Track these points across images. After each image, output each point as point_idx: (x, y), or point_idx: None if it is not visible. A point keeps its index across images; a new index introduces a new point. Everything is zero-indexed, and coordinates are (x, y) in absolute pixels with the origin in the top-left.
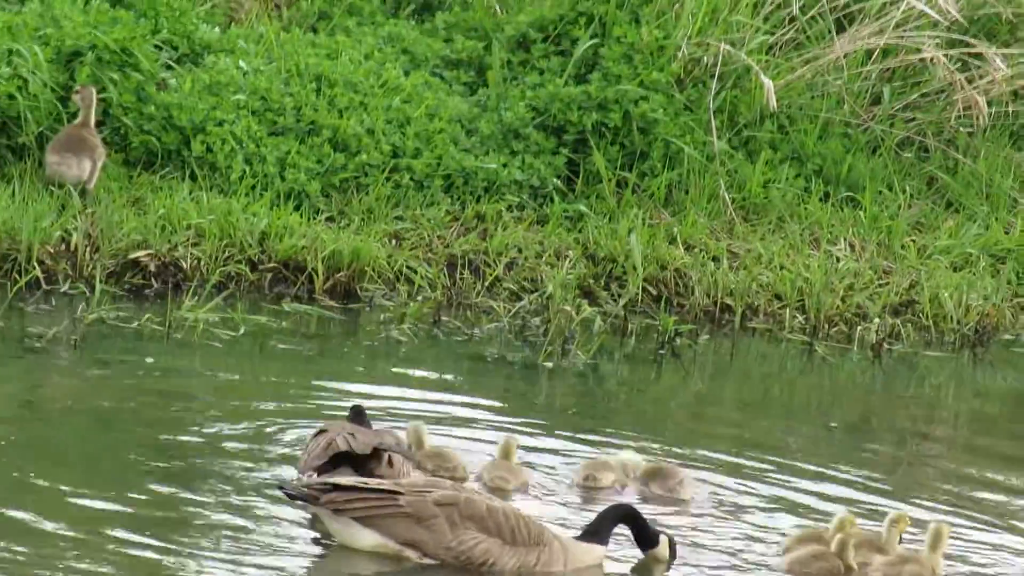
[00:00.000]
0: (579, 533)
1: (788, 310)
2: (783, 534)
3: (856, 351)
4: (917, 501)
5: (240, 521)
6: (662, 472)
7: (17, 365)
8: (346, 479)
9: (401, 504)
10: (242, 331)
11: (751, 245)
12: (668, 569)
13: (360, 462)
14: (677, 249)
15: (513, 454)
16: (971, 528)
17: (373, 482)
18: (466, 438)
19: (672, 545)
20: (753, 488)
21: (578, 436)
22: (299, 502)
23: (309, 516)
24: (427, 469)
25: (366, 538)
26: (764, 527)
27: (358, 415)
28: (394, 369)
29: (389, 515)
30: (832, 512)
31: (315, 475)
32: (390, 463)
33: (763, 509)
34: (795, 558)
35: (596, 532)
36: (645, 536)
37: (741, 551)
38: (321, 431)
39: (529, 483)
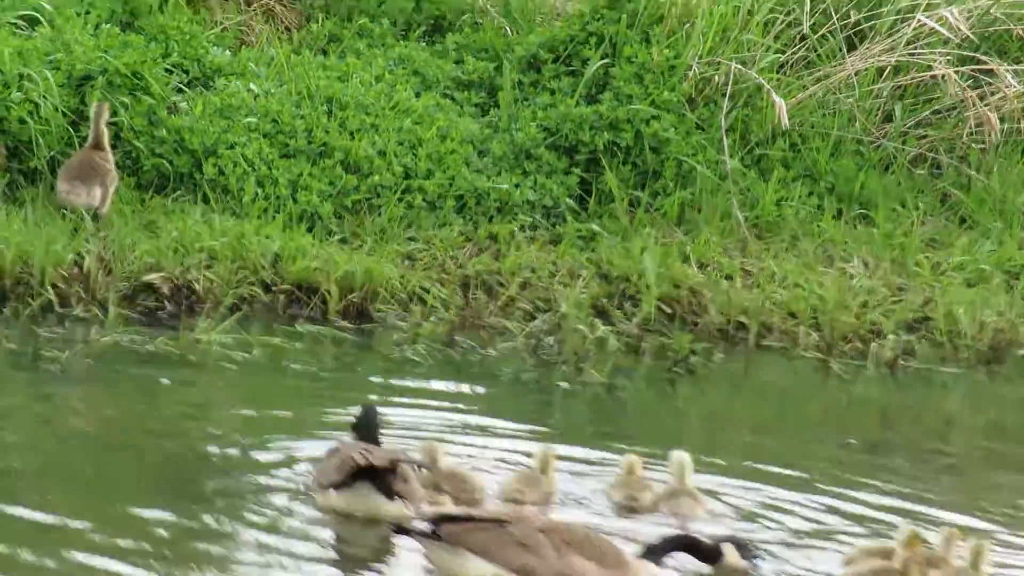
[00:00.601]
0: (641, 552)
1: (802, 328)
2: (806, 550)
3: (871, 368)
4: (945, 515)
5: (258, 539)
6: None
7: (32, 389)
8: (454, 510)
9: (511, 532)
10: (256, 353)
11: (765, 263)
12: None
13: (380, 477)
14: (691, 268)
15: (551, 466)
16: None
17: (476, 512)
18: (481, 457)
19: (740, 545)
20: (771, 504)
21: (594, 453)
22: (410, 536)
23: (333, 536)
24: (444, 490)
25: (480, 568)
26: (786, 543)
27: (369, 416)
28: (409, 389)
29: (501, 543)
30: (853, 530)
31: (332, 492)
32: (404, 478)
33: (783, 526)
34: (855, 572)
35: (656, 552)
36: (709, 553)
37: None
38: (335, 449)
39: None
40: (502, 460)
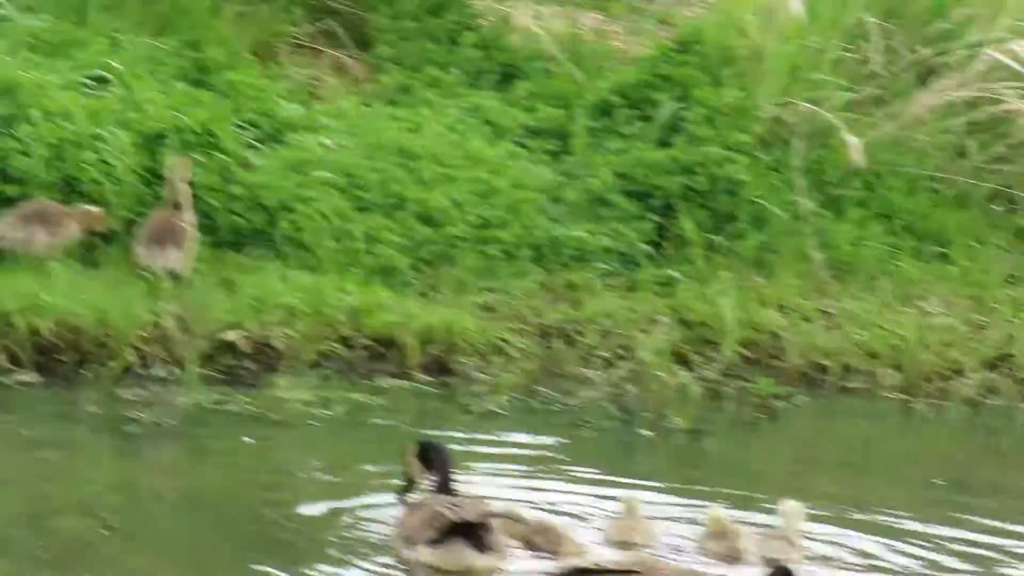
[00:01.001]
0: None
1: (883, 368)
2: None
3: (953, 407)
4: None
5: None
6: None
7: (114, 451)
8: (585, 562)
9: None
10: (337, 409)
11: (843, 304)
12: None
13: (473, 532)
14: (770, 311)
15: (638, 513)
16: None
17: (605, 562)
18: (566, 507)
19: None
20: (859, 549)
21: (679, 500)
22: None
23: None
24: (536, 543)
25: None
26: None
27: (443, 456)
28: (491, 440)
29: None
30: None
31: (423, 548)
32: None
33: (872, 568)
34: None
35: None
36: None
37: None
38: (418, 504)
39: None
40: (587, 510)
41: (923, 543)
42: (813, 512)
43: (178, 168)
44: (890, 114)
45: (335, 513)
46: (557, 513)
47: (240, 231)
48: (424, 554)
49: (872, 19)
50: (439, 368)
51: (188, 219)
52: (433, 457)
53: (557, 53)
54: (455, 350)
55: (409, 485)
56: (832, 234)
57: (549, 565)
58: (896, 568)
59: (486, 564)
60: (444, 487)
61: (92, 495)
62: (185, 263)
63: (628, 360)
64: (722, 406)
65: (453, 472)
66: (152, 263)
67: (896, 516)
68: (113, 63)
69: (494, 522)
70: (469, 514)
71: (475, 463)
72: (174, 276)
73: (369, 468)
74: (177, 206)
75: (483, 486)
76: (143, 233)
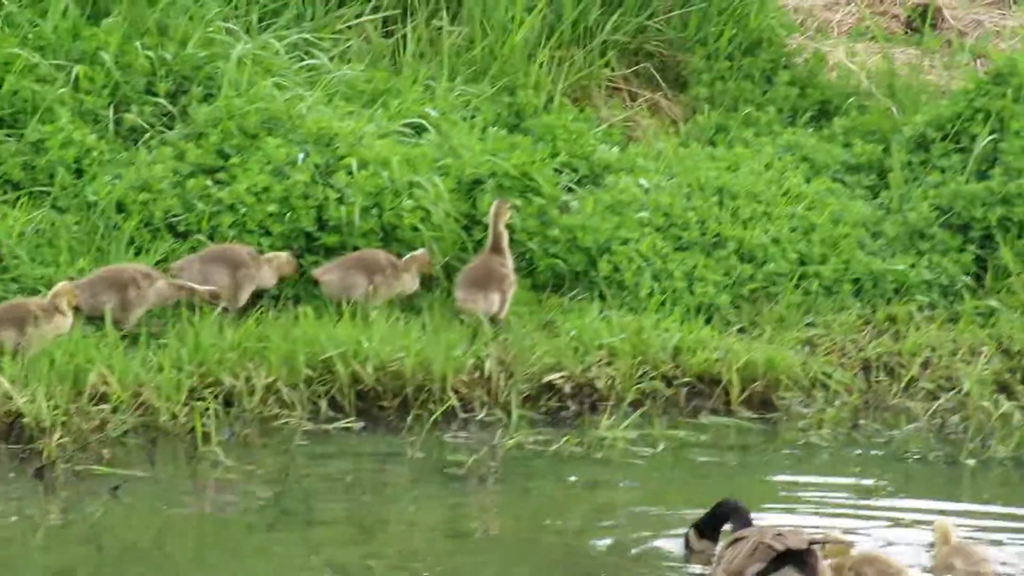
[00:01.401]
0: None
1: None
2: None
3: None
4: None
5: None
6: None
7: (438, 495)
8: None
9: None
10: (661, 447)
11: None
12: None
13: (801, 559)
14: None
15: (951, 535)
16: None
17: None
18: (894, 538)
19: None
20: None
21: (1007, 523)
22: None
23: None
24: (864, 574)
25: None
26: None
27: (741, 511)
28: (815, 475)
29: None
30: None
31: None
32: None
33: None
34: None
35: None
36: None
37: None
38: (739, 538)
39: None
40: (914, 539)
41: None
42: None
43: (498, 211)
44: None
45: (664, 549)
46: (884, 543)
47: (559, 273)
48: None
49: None
50: (761, 404)
51: (507, 263)
52: (730, 514)
53: (872, 89)
54: (777, 386)
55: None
56: None
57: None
58: None
59: None
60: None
61: (415, 538)
62: (504, 307)
63: (951, 391)
64: None
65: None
66: (473, 307)
67: None
68: (429, 110)
69: (819, 550)
70: (794, 542)
71: (800, 497)
72: (494, 320)
73: (693, 507)
74: (497, 250)
75: (808, 519)
76: (463, 278)
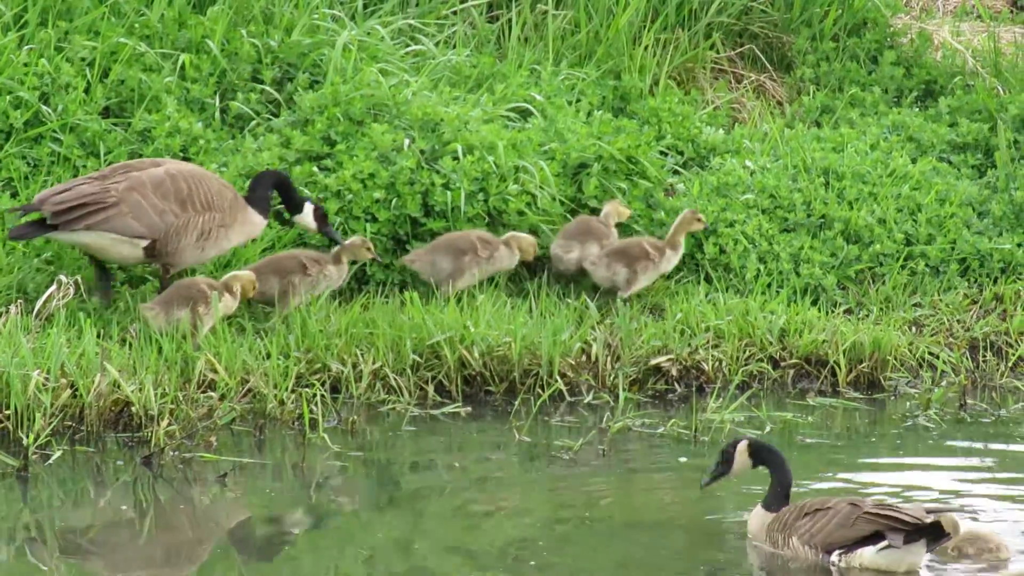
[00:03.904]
0: None
1: None
2: None
3: None
4: None
5: None
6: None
7: (546, 478)
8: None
9: None
10: (768, 429)
11: None
12: None
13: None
14: None
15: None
16: None
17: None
18: (1000, 517)
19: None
20: None
21: None
22: None
23: None
24: (967, 552)
25: None
26: None
27: (772, 452)
28: (922, 456)
29: None
30: None
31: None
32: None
33: None
34: None
35: None
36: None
37: None
38: (811, 509)
39: None
40: (1020, 518)
41: None
42: None
43: (611, 212)
44: None
45: None
46: (990, 522)
47: None
48: (866, 558)
49: None
50: (868, 385)
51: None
52: (768, 459)
53: (978, 68)
54: (884, 366)
55: (717, 478)
56: None
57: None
58: None
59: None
60: (786, 489)
61: (527, 525)
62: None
63: None
64: None
65: (789, 488)
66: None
67: None
68: (534, 95)
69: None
70: (917, 511)
71: (908, 476)
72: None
73: (803, 485)
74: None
75: (917, 498)
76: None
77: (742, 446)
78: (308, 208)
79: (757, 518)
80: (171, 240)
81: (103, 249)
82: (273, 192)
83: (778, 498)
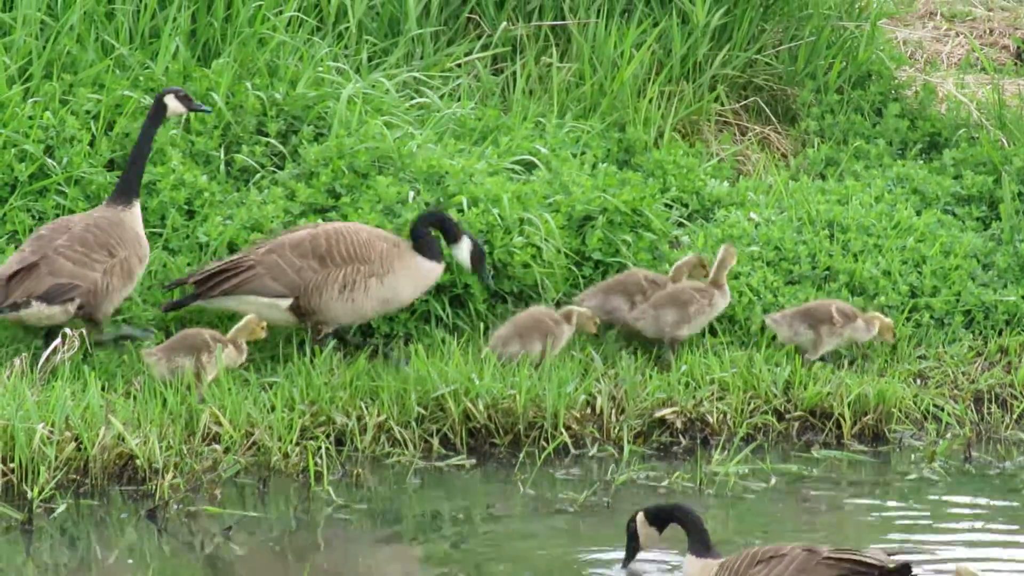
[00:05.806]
0: None
1: None
2: None
3: None
4: None
5: None
6: None
7: (548, 531)
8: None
9: None
10: (773, 482)
11: None
12: None
13: None
14: None
15: None
16: None
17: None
18: (1008, 570)
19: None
20: None
21: None
22: None
23: None
24: None
25: None
26: None
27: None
28: (928, 507)
29: None
30: None
31: None
32: None
33: None
34: None
35: None
36: None
37: None
38: (764, 557)
39: None
40: None
41: None
42: None
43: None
44: None
45: None
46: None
47: None
48: None
49: None
50: (873, 437)
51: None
52: (668, 517)
53: (983, 120)
54: (889, 419)
55: (633, 554)
56: None
57: None
58: None
59: None
60: (701, 533)
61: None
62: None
63: None
64: None
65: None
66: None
67: None
68: (539, 147)
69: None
70: (882, 557)
71: (913, 528)
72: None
73: (805, 539)
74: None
75: (924, 550)
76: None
77: (640, 519)
78: (465, 243)
79: (694, 566)
80: (313, 295)
81: (257, 313)
82: (432, 231)
83: (701, 541)
